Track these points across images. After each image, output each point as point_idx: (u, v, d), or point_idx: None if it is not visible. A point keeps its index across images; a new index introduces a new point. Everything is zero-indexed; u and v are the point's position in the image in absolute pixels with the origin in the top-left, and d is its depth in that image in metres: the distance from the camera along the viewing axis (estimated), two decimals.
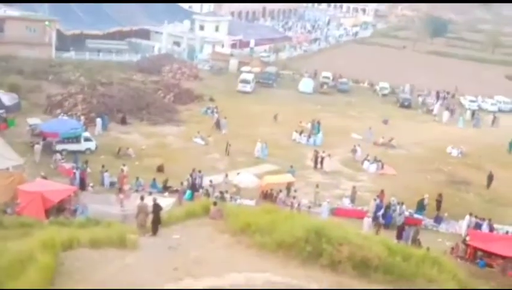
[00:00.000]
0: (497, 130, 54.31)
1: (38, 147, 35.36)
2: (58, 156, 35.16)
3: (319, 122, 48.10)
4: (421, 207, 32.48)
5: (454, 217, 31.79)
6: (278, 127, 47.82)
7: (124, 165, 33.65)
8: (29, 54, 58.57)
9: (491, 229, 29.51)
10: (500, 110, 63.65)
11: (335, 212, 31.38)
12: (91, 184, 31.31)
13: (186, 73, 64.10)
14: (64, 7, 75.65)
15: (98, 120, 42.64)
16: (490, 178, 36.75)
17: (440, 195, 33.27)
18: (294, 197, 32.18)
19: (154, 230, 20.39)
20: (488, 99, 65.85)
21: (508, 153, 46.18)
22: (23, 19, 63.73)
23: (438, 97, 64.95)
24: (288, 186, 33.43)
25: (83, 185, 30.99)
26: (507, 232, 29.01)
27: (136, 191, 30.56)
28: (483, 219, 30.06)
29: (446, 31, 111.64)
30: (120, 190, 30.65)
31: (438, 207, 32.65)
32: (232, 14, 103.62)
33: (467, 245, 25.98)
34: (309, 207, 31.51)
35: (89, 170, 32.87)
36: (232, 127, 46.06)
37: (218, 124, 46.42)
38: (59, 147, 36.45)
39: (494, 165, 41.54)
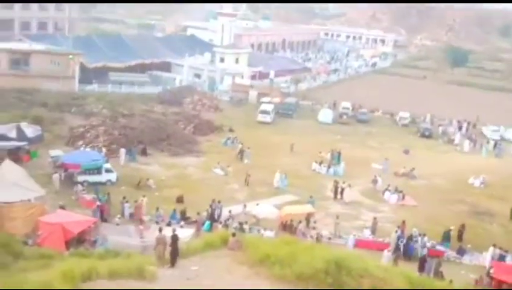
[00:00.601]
0: None
1: (56, 176, 35.87)
2: (80, 187, 35.51)
3: (339, 153, 47.96)
4: (447, 239, 31.91)
5: (478, 248, 31.16)
6: (298, 157, 47.76)
7: (143, 196, 33.85)
8: (53, 87, 59.91)
9: None
10: None
11: (356, 243, 30.99)
12: (118, 216, 31.44)
13: (207, 104, 64.70)
14: (87, 41, 77.51)
15: (122, 150, 43.19)
16: None
17: (463, 226, 32.74)
18: (314, 228, 31.89)
19: (173, 261, 20.38)
20: (510, 128, 65.04)
21: None
22: (47, 53, 65.32)
23: (459, 127, 64.44)
24: (308, 217, 33.15)
25: (103, 217, 31.14)
26: None
27: (156, 222, 30.60)
28: (507, 251, 29.42)
29: (467, 61, 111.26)
30: (140, 221, 30.75)
31: (460, 238, 32.09)
32: (252, 46, 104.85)
33: (492, 278, 25.40)
34: (329, 238, 31.20)
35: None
36: (252, 158, 46.18)
37: (241, 154, 46.58)
38: (80, 178, 36.83)
39: None
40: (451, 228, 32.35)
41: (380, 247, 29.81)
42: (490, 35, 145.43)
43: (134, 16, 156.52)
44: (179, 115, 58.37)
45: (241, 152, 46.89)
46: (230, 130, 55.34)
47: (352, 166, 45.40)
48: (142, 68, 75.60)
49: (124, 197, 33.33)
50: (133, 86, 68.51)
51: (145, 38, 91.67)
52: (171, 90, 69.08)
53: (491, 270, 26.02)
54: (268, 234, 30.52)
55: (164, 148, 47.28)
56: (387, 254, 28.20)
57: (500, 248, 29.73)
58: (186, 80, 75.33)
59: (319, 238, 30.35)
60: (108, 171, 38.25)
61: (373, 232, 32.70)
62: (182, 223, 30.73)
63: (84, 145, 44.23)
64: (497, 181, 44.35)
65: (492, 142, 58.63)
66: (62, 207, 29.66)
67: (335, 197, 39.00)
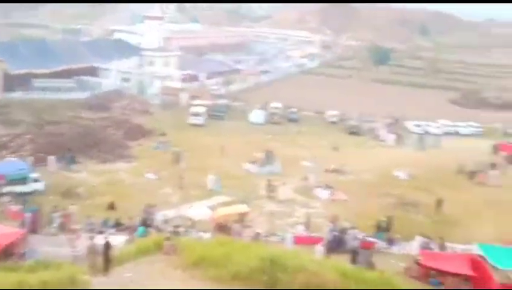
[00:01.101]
0: (441, 152, 56.07)
1: None
2: (5, 198, 34.12)
3: (271, 152, 48.53)
4: (381, 230, 32.98)
5: (406, 238, 32.40)
6: (231, 158, 47.93)
7: (72, 204, 33.00)
8: None
9: (443, 248, 30.25)
10: (444, 133, 65.91)
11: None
12: (54, 225, 30.45)
13: (137, 108, 63.89)
14: (9, 47, 74.60)
15: (51, 158, 42.03)
16: (439, 203, 37.39)
17: (389, 217, 33.91)
18: (249, 227, 32.10)
19: (106, 269, 20.02)
20: (432, 123, 68.11)
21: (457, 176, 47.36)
22: None
23: (384, 123, 66.72)
24: (241, 217, 33.32)
25: (34, 229, 30.07)
26: (453, 250, 29.69)
27: (89, 230, 29.87)
28: (435, 239, 30.81)
29: (389, 59, 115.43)
30: (70, 231, 29.92)
31: (388, 229, 33.26)
32: (181, 49, 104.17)
33: (420, 265, 26.49)
34: (266, 236, 31.39)
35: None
36: (185, 160, 45.99)
37: (177, 158, 46.32)
38: (5, 189, 35.40)
39: (440, 186, 42.80)
40: (384, 219, 33.43)
41: (314, 242, 30.40)
42: (412, 34, 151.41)
43: (59, 21, 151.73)
44: (108, 120, 57.31)
45: (177, 155, 46.59)
46: (162, 134, 54.84)
47: (284, 164, 46.08)
48: (68, 74, 73.40)
49: (56, 207, 32.37)
50: (59, 92, 66.49)
51: (70, 43, 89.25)
52: (99, 96, 67.65)
53: (419, 258, 27.11)
54: (204, 236, 30.46)
55: (94, 154, 46.24)
56: (320, 248, 28.81)
57: (427, 237, 31.03)
58: (115, 84, 73.92)
59: (256, 237, 30.57)
60: (35, 180, 37.01)
61: (307, 227, 33.35)
62: (113, 230, 30.07)
63: (9, 155, 42.55)
64: (422, 173, 46.24)
65: (416, 137, 61.08)
66: None
67: (268, 195, 39.44)
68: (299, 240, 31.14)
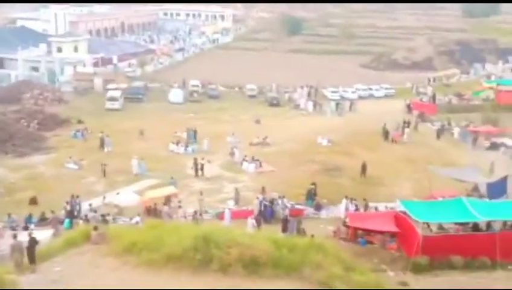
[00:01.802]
0: (358, 116, 57.93)
1: None
2: None
3: (194, 131, 48.23)
4: (310, 197, 33.68)
5: (333, 202, 33.43)
6: (154, 140, 47.21)
7: None
8: None
9: (367, 208, 31.47)
10: (360, 97, 68.04)
11: (221, 216, 31.63)
12: None
13: (49, 97, 61.33)
14: None
15: None
16: (364, 167, 38.39)
17: (313, 183, 34.74)
18: (179, 207, 31.92)
19: (33, 266, 19.35)
20: (348, 88, 70.03)
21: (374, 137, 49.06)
22: None
23: (303, 93, 67.88)
24: (168, 198, 32.98)
25: None
26: (376, 209, 30.98)
27: (11, 228, 28.62)
28: (364, 199, 32.00)
29: (301, 29, 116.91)
30: None
31: (314, 194, 34.11)
32: (90, 32, 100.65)
33: (347, 227, 27.44)
34: (200, 214, 31.19)
35: None
36: (110, 145, 44.96)
37: (102, 143, 44.98)
38: None
39: (360, 148, 44.33)
40: (313, 186, 34.17)
41: (245, 215, 30.73)
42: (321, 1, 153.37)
43: None
44: (20, 112, 54.62)
45: (102, 141, 45.27)
46: (79, 122, 53.09)
47: (209, 142, 45.92)
48: None
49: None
50: None
51: None
52: (7, 88, 64.40)
53: (346, 220, 28.07)
54: (133, 221, 30.01)
55: (8, 149, 44.07)
56: (251, 221, 29.19)
57: (351, 199, 32.14)
58: (23, 74, 70.46)
59: (195, 216, 30.36)
60: None
61: (236, 202, 33.62)
62: (32, 225, 28.87)
63: None
64: (342, 138, 47.60)
65: (334, 103, 62.66)
66: None
67: (196, 174, 39.33)
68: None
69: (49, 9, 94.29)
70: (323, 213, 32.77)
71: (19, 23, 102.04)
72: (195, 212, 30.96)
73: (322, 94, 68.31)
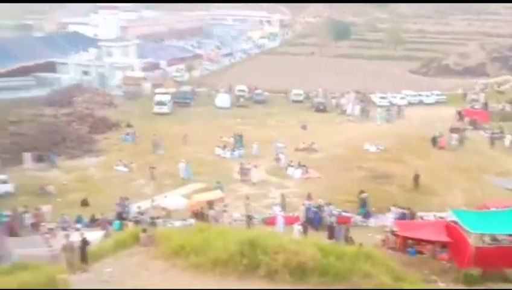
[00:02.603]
0: (407, 122, 56.90)
1: None
2: None
3: (240, 135, 48.42)
4: (363, 204, 33.15)
5: (381, 210, 32.87)
6: (200, 144, 47.60)
7: (45, 204, 32.40)
8: None
9: (412, 217, 30.78)
10: (410, 103, 66.82)
11: (267, 221, 31.58)
12: (42, 223, 29.88)
13: (100, 101, 62.74)
14: None
15: (26, 155, 41.80)
16: (416, 178, 37.37)
17: (362, 191, 34.23)
18: (224, 212, 32.03)
19: (84, 266, 19.77)
20: (396, 94, 68.89)
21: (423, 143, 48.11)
22: None
23: (350, 98, 67.14)
24: (211, 203, 32.99)
25: (13, 232, 29.43)
26: (421, 218, 30.24)
27: (63, 228, 29.39)
28: (409, 208, 31.33)
29: (349, 34, 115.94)
30: (43, 230, 29.37)
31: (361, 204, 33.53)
32: (139, 37, 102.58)
33: (396, 236, 26.86)
34: (250, 218, 31.14)
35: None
36: (163, 147, 45.66)
37: (155, 146, 45.88)
38: None
39: (410, 155, 43.51)
40: (366, 194, 33.61)
41: (291, 221, 30.58)
42: (367, 6, 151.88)
43: (9, 17, 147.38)
44: (72, 115, 56.12)
45: (154, 144, 46.13)
46: (128, 125, 54.10)
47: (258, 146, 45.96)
48: (25, 71, 71.46)
49: (25, 206, 31.69)
50: (18, 90, 64.74)
51: (24, 40, 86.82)
52: (59, 91, 66.15)
53: (395, 229, 27.49)
54: (180, 224, 30.33)
55: (61, 151, 45.32)
56: (297, 227, 29.01)
57: (401, 207, 31.52)
58: (74, 78, 72.35)
59: (248, 221, 30.37)
60: (3, 182, 36.18)
61: (283, 208, 33.47)
62: (79, 226, 29.47)
63: None
64: (391, 145, 46.81)
65: (383, 109, 61.72)
66: None
67: (242, 179, 39.42)
68: (275, 221, 31.24)
69: (99, 15, 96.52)
70: (372, 221, 32.27)
71: (71, 28, 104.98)
72: (249, 216, 30.92)
73: (370, 100, 67.42)
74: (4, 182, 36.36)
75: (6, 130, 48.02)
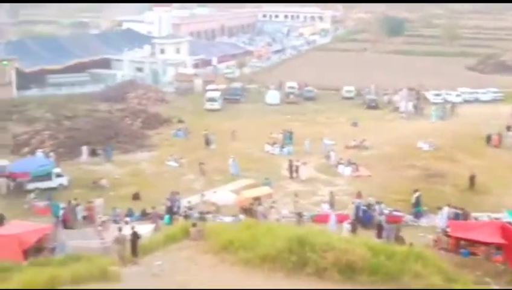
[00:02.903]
0: (461, 120, 55.30)
1: (2, 181, 35.34)
2: (31, 195, 34.47)
3: (290, 132, 48.28)
4: (418, 204, 32.45)
5: (433, 210, 32.08)
6: (250, 141, 47.75)
7: (98, 197, 33.24)
8: None
9: (466, 217, 29.88)
10: (465, 101, 64.87)
11: (315, 219, 31.38)
12: (99, 216, 30.80)
13: (152, 97, 63.83)
14: (20, 45, 74.90)
15: (84, 148, 43.23)
16: (472, 179, 36.24)
17: (416, 190, 33.49)
18: (273, 208, 31.97)
19: (135, 259, 20.14)
20: (451, 91, 67.03)
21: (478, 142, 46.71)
22: None
23: (403, 95, 65.82)
24: (260, 199, 33.00)
25: (68, 224, 30.35)
26: (476, 219, 29.30)
27: (115, 221, 30.09)
28: (463, 208, 30.45)
29: (403, 30, 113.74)
30: (95, 222, 30.14)
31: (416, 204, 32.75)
32: (191, 34, 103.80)
33: (449, 236, 26.19)
34: (301, 215, 30.98)
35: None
36: (204, 146, 46.06)
37: (207, 141, 46.52)
38: (30, 186, 35.75)
39: (464, 154, 42.30)
40: (419, 192, 32.81)
41: (340, 219, 30.27)
42: (424, 2, 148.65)
43: (66, 15, 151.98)
44: (125, 111, 57.34)
45: (206, 139, 46.73)
46: (180, 121, 54.85)
47: (304, 144, 45.71)
48: (81, 67, 73.51)
49: (75, 199, 32.58)
50: (74, 86, 66.75)
51: (80, 37, 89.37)
52: (113, 87, 67.63)
53: (448, 229, 26.81)
54: (229, 219, 30.52)
55: (114, 146, 46.38)
56: (346, 226, 28.69)
57: (454, 207, 30.67)
58: (128, 75, 73.91)
59: (299, 218, 30.30)
60: (58, 175, 37.30)
61: (331, 206, 33.16)
62: (127, 219, 30.06)
63: (35, 151, 42.82)
64: (445, 143, 45.68)
65: (436, 106, 60.19)
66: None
67: (291, 176, 39.30)
68: (323, 219, 31.02)
69: (153, 12, 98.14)
70: (423, 221, 31.56)
71: (125, 26, 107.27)
72: (299, 214, 30.80)
73: (424, 97, 65.89)
74: (59, 175, 37.44)
75: (62, 125, 49.54)
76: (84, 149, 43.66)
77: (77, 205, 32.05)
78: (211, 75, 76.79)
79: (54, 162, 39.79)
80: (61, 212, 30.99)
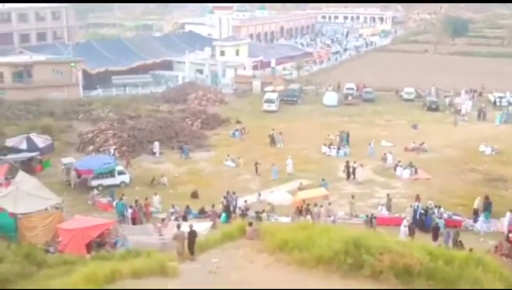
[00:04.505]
0: None
1: (74, 173, 37.28)
2: (95, 191, 35.84)
3: (347, 134, 47.97)
4: (488, 209, 31.58)
5: (495, 215, 31.15)
6: (307, 142, 47.73)
7: (155, 194, 34.17)
8: (58, 96, 60.25)
9: None
10: None
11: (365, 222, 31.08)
12: (172, 209, 31.80)
13: (212, 98, 64.83)
14: (87, 47, 77.77)
15: (156, 143, 45.26)
16: None
17: (487, 197, 32.44)
18: (329, 210, 31.90)
19: (192, 256, 20.59)
20: None
21: None
22: (49, 63, 65.54)
23: (465, 97, 64.09)
24: (321, 200, 33.05)
25: (136, 221, 31.35)
26: None
27: (175, 219, 30.86)
28: None
29: (467, 31, 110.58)
30: (160, 220, 30.97)
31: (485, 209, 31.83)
32: (251, 36, 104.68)
33: (511, 242, 25.42)
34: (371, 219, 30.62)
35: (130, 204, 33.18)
36: (261, 147, 46.44)
37: (273, 140, 47.22)
38: (94, 182, 37.17)
39: None
40: (489, 199, 31.97)
41: (397, 222, 29.88)
42: (489, 2, 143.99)
43: (131, 18, 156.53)
44: (185, 111, 58.54)
45: (272, 138, 47.30)
46: (238, 122, 55.49)
47: (361, 145, 45.38)
48: (144, 69, 75.77)
49: (123, 195, 33.51)
50: (137, 87, 68.74)
51: (144, 39, 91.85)
52: (174, 88, 69.22)
53: (510, 235, 26.02)
54: (285, 220, 30.71)
55: (174, 145, 47.53)
56: (404, 229, 28.30)
57: None
58: (189, 76, 75.39)
59: (369, 221, 30.08)
60: (121, 173, 38.56)
61: (388, 208, 32.77)
62: (191, 217, 30.57)
63: (103, 150, 44.52)
64: (508, 147, 44.21)
65: (500, 109, 58.26)
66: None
67: (347, 177, 39.08)
68: (380, 221, 30.69)
69: (215, 15, 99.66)
70: (484, 226, 30.68)
71: (187, 28, 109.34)
72: (371, 216, 30.42)
73: (487, 99, 63.93)
74: (121, 173, 38.70)
75: (125, 124, 51.06)
76: (156, 145, 45.22)
77: (136, 201, 32.95)
78: (269, 76, 77.18)
79: (120, 160, 41.61)
80: (129, 211, 31.94)
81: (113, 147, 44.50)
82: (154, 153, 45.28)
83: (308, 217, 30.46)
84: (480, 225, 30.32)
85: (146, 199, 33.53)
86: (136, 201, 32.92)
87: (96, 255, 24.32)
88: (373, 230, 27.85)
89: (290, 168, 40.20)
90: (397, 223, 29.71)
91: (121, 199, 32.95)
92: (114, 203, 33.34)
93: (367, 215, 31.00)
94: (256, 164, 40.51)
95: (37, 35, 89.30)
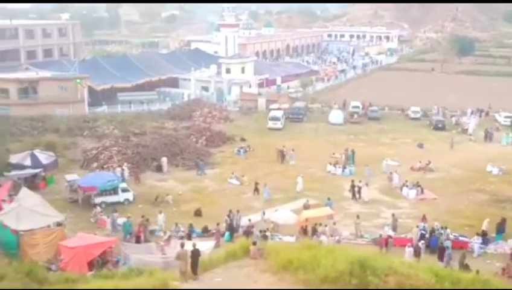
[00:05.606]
0: None
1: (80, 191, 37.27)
2: (98, 209, 35.62)
3: (353, 152, 47.70)
4: (501, 230, 31.12)
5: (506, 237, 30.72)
6: (312, 160, 47.50)
7: (160, 212, 33.88)
8: (63, 112, 60.38)
9: None
10: None
11: (377, 242, 30.69)
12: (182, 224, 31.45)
13: (217, 116, 64.83)
14: (93, 63, 78.19)
15: (164, 159, 45.35)
16: None
17: (503, 219, 31.88)
18: (334, 229, 31.57)
19: (195, 275, 20.33)
20: None
21: None
22: (55, 79, 65.86)
23: (472, 117, 63.83)
24: (326, 220, 32.69)
25: (139, 239, 31.03)
26: None
27: (181, 237, 30.55)
28: None
29: (473, 50, 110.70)
30: (169, 237, 30.59)
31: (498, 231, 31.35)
32: (257, 54, 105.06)
33: None
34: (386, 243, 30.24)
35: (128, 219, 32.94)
36: (266, 164, 46.25)
37: (282, 156, 47.27)
38: (98, 200, 36.97)
39: None
40: (501, 220, 31.53)
41: (403, 243, 29.50)
42: (495, 21, 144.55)
43: (137, 35, 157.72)
44: (190, 128, 58.47)
45: (282, 155, 47.30)
46: (242, 139, 55.36)
47: (367, 164, 45.05)
48: (149, 86, 75.97)
49: (143, 216, 33.18)
50: (142, 104, 68.84)
51: (150, 56, 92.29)
52: (180, 105, 69.29)
53: None
54: (289, 239, 30.39)
55: (178, 163, 47.35)
56: (409, 250, 27.93)
57: None
58: (194, 93, 75.56)
59: (384, 245, 29.59)
60: (124, 190, 38.35)
61: (394, 229, 32.36)
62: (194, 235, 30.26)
63: (108, 167, 44.43)
64: None
65: (507, 129, 57.91)
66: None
67: (353, 197, 38.76)
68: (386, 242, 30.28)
69: (220, 33, 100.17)
70: (491, 248, 30.25)
71: (193, 46, 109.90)
72: (388, 236, 29.93)
73: (493, 119, 63.65)
74: (126, 190, 38.50)
75: (129, 141, 50.97)
76: (164, 161, 45.25)
77: (147, 220, 32.58)
78: (275, 94, 77.27)
79: (127, 177, 41.91)
80: (135, 228, 31.63)
81: (124, 166, 44.10)
82: (161, 169, 45.11)
83: (315, 237, 30.09)
84: (477, 248, 29.79)
85: (144, 217, 32.89)
86: (143, 216, 32.57)
87: (98, 273, 24.09)
88: (385, 251, 27.54)
89: (300, 187, 39.93)
90: (403, 243, 29.29)
91: (128, 218, 32.65)
92: (109, 221, 33.07)
93: (380, 235, 30.59)
94: (256, 183, 40.21)
95: (43, 51, 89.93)
